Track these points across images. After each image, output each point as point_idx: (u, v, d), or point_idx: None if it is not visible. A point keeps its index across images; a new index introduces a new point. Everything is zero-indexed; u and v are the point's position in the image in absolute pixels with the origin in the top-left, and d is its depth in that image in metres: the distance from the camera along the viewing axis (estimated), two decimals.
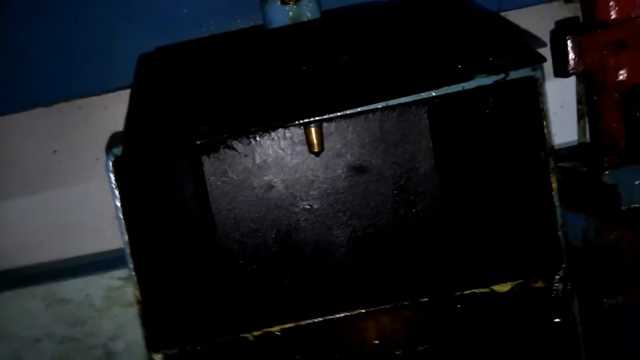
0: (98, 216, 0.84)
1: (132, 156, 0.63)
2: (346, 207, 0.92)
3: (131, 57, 0.96)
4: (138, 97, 0.77)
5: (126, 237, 0.64)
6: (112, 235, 0.67)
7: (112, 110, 1.00)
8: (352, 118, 0.90)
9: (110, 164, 0.62)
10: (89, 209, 0.97)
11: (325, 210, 0.92)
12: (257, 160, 0.91)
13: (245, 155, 0.90)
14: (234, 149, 0.90)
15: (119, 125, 0.98)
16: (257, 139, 0.90)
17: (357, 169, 0.91)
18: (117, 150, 0.63)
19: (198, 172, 0.90)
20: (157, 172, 0.73)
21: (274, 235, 0.92)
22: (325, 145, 0.90)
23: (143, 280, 0.65)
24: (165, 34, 0.96)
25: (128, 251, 0.65)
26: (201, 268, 0.81)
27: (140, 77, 0.83)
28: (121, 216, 0.65)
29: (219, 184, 0.90)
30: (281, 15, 0.84)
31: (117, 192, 0.65)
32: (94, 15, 0.99)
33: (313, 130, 0.74)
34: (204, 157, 0.89)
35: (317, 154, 0.82)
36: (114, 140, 0.67)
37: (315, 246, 0.92)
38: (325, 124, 0.89)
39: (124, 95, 0.86)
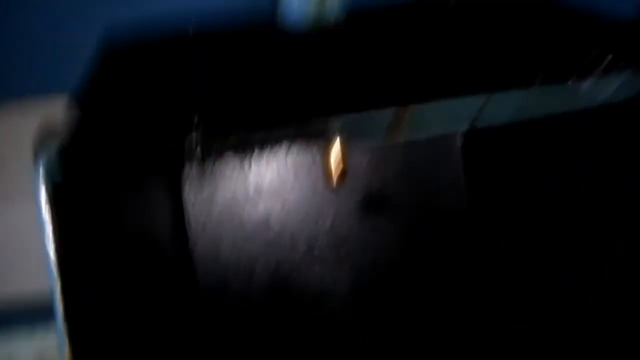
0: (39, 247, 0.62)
1: (76, 185, 0.43)
2: (357, 251, 0.75)
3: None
4: (93, 93, 0.57)
5: (58, 293, 0.42)
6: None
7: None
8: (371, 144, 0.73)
9: (43, 191, 0.41)
10: (26, 237, 0.76)
11: (332, 249, 0.74)
12: (251, 185, 0.73)
13: (237, 178, 0.72)
14: (222, 166, 0.72)
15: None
16: (253, 159, 0.72)
17: (372, 206, 0.75)
18: (52, 170, 0.42)
19: (172, 193, 0.71)
20: (112, 199, 0.53)
21: (267, 279, 0.74)
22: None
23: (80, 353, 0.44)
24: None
25: (60, 314, 0.42)
26: (168, 332, 0.62)
27: (100, 73, 0.63)
28: (53, 263, 0.43)
29: (201, 212, 0.72)
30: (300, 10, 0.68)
31: (50, 229, 0.43)
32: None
33: (336, 153, 0.58)
34: (184, 171, 0.70)
35: (335, 188, 0.66)
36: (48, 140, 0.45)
37: (316, 298, 0.74)
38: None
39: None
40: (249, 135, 0.48)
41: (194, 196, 0.70)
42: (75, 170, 0.43)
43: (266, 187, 0.73)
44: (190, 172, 0.70)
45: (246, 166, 0.71)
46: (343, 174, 0.59)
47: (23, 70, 0.82)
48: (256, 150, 0.72)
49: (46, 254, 0.43)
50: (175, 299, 0.66)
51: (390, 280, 0.75)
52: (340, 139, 0.56)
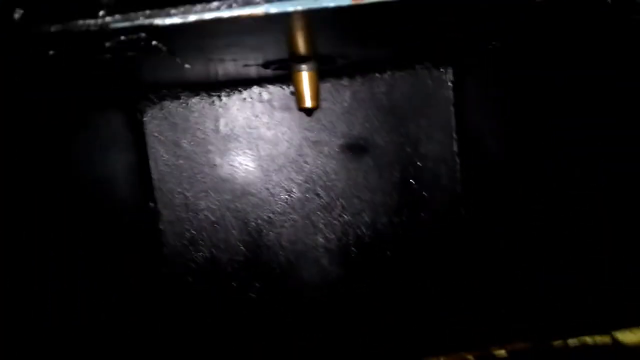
0: None
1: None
2: (337, 199, 0.68)
3: None
4: None
5: None
6: None
7: None
8: (352, 79, 0.67)
9: None
10: None
11: (310, 201, 0.68)
12: (222, 128, 0.66)
13: (206, 120, 0.66)
14: (188, 104, 0.66)
15: None
16: (222, 97, 0.66)
17: (355, 149, 0.68)
18: None
19: (134, 132, 0.65)
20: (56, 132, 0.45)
21: (239, 232, 0.67)
22: (317, 113, 0.67)
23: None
24: None
25: None
26: (127, 288, 0.55)
27: None
28: None
29: (166, 156, 0.65)
30: None
31: None
32: None
33: (306, 74, 0.51)
34: (146, 109, 0.64)
35: (308, 112, 0.59)
36: None
37: (294, 249, 0.68)
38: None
39: None
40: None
41: (156, 136, 0.64)
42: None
43: (238, 127, 0.66)
44: (152, 108, 0.64)
45: (213, 112, 0.65)
46: (315, 92, 0.53)
47: None
48: (226, 84, 0.65)
49: None
50: (135, 254, 0.60)
51: (374, 232, 0.69)
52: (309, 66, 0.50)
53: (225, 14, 0.32)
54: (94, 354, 0.48)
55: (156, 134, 0.65)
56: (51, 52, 0.33)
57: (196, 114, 0.66)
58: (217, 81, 0.63)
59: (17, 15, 0.31)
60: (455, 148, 0.69)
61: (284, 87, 0.67)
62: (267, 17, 0.33)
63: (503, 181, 0.65)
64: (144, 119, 0.64)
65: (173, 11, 0.31)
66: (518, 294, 0.65)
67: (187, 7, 0.31)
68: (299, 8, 0.33)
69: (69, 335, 0.45)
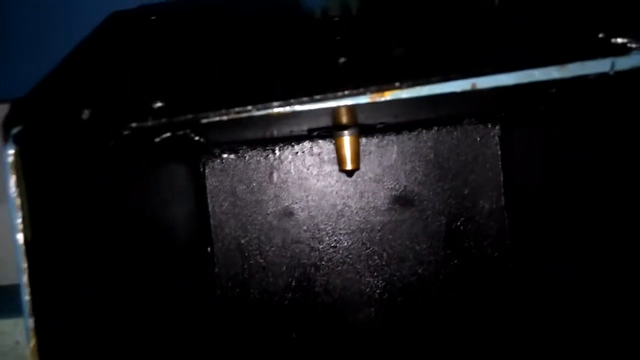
0: None
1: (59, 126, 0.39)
2: (383, 248, 0.71)
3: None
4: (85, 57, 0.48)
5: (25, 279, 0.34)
6: None
7: None
8: (398, 134, 0.70)
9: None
10: None
11: (356, 249, 0.71)
12: (275, 179, 0.71)
13: (260, 172, 0.71)
14: (245, 157, 0.71)
15: None
16: (277, 151, 0.71)
17: (401, 201, 0.71)
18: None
19: (196, 182, 0.70)
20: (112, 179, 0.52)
21: (287, 277, 0.71)
22: (364, 167, 0.70)
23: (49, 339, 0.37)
24: None
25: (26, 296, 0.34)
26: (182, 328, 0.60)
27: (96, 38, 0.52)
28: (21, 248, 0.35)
29: (224, 205, 0.71)
30: None
31: (17, 198, 0.35)
32: None
33: (347, 138, 0.55)
34: (206, 162, 0.70)
35: (349, 174, 0.63)
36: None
37: (339, 296, 0.71)
38: (363, 140, 0.70)
39: None
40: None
41: (215, 185, 0.70)
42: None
43: (290, 178, 0.71)
44: (213, 161, 0.70)
45: (267, 164, 0.70)
46: (356, 155, 0.56)
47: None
48: (280, 140, 0.70)
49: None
50: (191, 294, 0.65)
51: (420, 282, 0.70)
52: (351, 131, 0.53)
53: (255, 113, 0.37)
54: None
55: (216, 185, 0.71)
56: (111, 143, 0.39)
57: (252, 166, 0.71)
58: (272, 137, 0.68)
59: (85, 115, 0.38)
60: (503, 202, 0.70)
61: (333, 142, 0.70)
62: (296, 114, 0.37)
63: (552, 234, 0.65)
64: (206, 171, 0.70)
65: (211, 113, 0.36)
66: (565, 348, 0.64)
67: (222, 111, 0.35)
68: (321, 106, 0.36)
69: None
